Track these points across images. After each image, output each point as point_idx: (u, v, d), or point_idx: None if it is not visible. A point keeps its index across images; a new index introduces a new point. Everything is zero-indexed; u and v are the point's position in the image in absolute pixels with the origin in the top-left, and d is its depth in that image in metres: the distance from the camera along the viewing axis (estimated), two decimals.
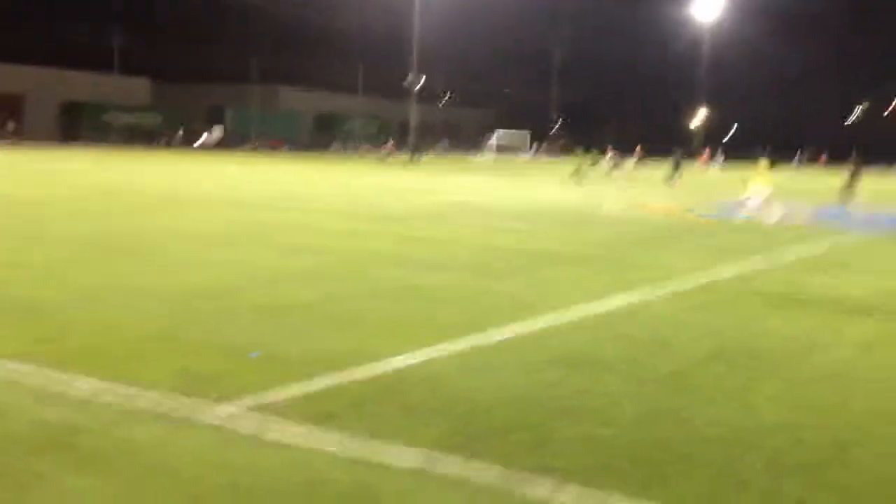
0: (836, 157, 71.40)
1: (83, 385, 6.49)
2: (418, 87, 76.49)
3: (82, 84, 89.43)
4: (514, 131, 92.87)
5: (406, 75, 76.70)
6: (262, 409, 6.11)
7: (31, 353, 7.25)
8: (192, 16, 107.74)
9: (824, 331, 9.50)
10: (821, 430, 6.07)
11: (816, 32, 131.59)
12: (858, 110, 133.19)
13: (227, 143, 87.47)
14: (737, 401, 6.73)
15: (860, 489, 5.11)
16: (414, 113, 76.15)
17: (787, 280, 13.06)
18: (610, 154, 53.32)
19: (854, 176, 33.16)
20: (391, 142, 69.48)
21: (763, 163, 24.23)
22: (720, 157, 76.08)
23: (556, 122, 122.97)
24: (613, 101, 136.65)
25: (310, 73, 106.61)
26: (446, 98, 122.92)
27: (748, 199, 24.02)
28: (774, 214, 22.92)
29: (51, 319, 8.59)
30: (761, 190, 23.55)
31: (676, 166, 44.21)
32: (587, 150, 47.80)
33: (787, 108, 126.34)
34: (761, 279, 13.07)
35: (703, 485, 5.07)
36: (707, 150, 79.81)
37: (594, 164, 49.40)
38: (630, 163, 56.85)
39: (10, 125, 74.56)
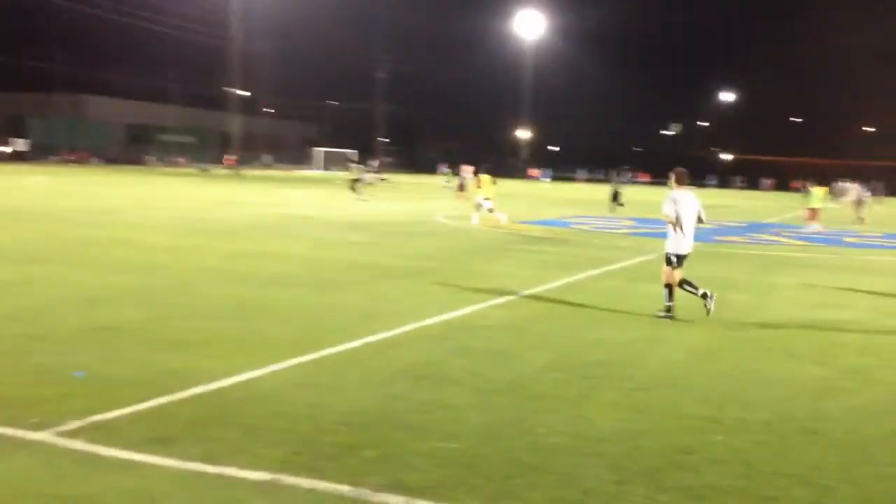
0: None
1: None
2: (237, 96, 74.81)
3: None
4: (340, 150, 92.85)
5: (225, 85, 74.92)
6: (91, 432, 5.73)
7: None
8: None
9: (654, 339, 9.85)
10: (659, 437, 6.26)
11: (629, 56, 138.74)
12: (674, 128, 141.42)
13: (32, 156, 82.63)
14: (577, 409, 6.86)
15: (703, 493, 5.28)
16: (237, 125, 74.49)
17: (616, 288, 13.52)
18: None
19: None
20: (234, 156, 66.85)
21: (486, 177, 27.36)
22: (548, 174, 79.59)
23: (382, 140, 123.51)
24: (437, 117, 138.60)
25: (120, 82, 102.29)
26: (268, 111, 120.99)
27: (482, 204, 26.87)
28: (501, 219, 26.08)
29: None
30: (487, 198, 26.68)
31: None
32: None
33: (605, 128, 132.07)
34: (591, 288, 13.47)
35: (551, 494, 5.10)
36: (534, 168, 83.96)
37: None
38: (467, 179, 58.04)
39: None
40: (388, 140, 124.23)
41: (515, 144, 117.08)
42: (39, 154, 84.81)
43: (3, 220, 21.18)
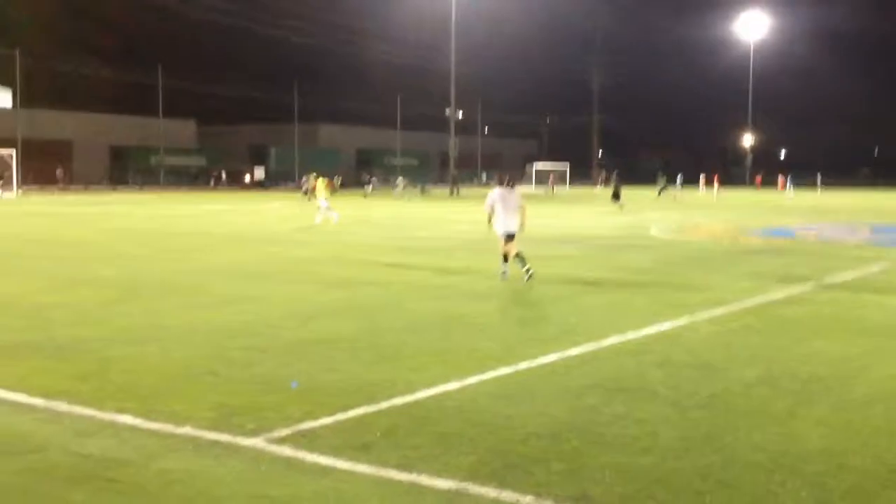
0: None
1: (123, 420, 6.54)
2: (457, 118, 76.73)
3: (129, 128, 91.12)
4: (552, 163, 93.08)
5: (444, 107, 77.04)
6: (297, 439, 6.10)
7: (72, 391, 7.32)
8: (231, 55, 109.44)
9: (876, 353, 9.25)
10: (868, 455, 5.88)
11: (867, 52, 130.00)
12: None
13: (270, 183, 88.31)
14: (781, 426, 6.56)
15: None
16: (453, 145, 76.36)
17: (837, 301, 12.78)
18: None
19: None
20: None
21: (322, 181, 31.20)
22: (790, 183, 75.25)
23: (598, 153, 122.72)
24: (656, 127, 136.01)
25: (348, 109, 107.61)
26: (485, 131, 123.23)
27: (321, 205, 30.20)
28: (332, 219, 29.33)
29: (91, 357, 8.67)
30: (324, 200, 30.21)
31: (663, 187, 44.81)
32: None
33: (841, 130, 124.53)
34: (810, 300, 12.80)
35: None
36: (780, 177, 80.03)
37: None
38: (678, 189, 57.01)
39: (60, 171, 76.05)
40: (601, 152, 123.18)
41: (740, 151, 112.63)
42: (277, 181, 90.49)
43: (239, 243, 22.81)
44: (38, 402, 6.97)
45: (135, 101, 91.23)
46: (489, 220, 14.98)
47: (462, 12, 74.55)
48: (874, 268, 17.26)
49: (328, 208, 29.98)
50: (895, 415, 6.91)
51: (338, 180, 56.62)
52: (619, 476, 5.48)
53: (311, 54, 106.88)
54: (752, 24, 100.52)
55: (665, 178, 59.35)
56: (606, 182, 79.77)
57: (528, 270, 14.33)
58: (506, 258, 14.83)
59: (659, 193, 57.45)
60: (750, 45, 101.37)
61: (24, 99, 76.70)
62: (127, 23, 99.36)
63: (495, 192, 14.95)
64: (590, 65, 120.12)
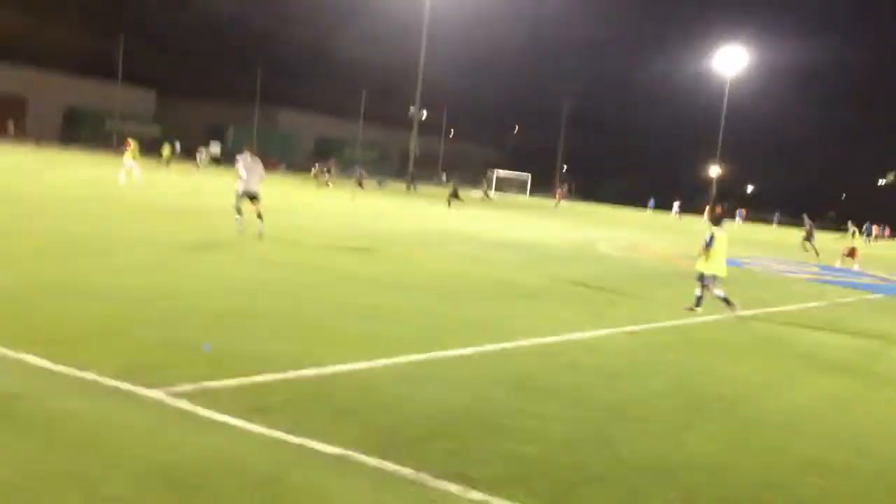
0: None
1: (29, 360, 6.57)
2: (422, 118, 76.86)
3: (87, 90, 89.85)
4: (515, 173, 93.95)
5: (410, 106, 77.16)
6: (197, 395, 6.18)
7: None
8: (198, 31, 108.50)
9: (786, 380, 9.54)
10: (748, 472, 6.10)
11: (842, 95, 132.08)
12: (891, 176, 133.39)
13: (225, 160, 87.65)
14: (673, 435, 6.77)
15: None
16: (414, 143, 76.51)
17: (760, 330, 13.09)
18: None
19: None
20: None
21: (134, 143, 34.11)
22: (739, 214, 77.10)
23: (562, 169, 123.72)
24: (620, 151, 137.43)
25: (311, 97, 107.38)
26: (450, 134, 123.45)
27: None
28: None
29: (13, 304, 8.65)
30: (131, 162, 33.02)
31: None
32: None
33: (809, 171, 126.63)
34: (740, 328, 13.08)
35: None
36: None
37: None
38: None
39: (10, 126, 74.80)
40: (565, 170, 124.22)
41: (704, 182, 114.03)
42: (232, 159, 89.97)
43: (180, 212, 22.68)
44: None
45: (96, 66, 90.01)
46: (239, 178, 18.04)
47: (438, 15, 74.84)
48: (810, 304, 17.69)
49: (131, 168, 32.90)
50: (787, 436, 7.15)
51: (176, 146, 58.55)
52: (501, 461, 5.64)
53: (281, 40, 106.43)
54: (729, 59, 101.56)
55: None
56: (563, 197, 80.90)
57: (261, 231, 17.31)
58: (239, 211, 18.04)
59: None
60: (726, 81, 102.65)
61: None
62: None
63: (241, 161, 18.10)
64: (562, 85, 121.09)
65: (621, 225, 48.99)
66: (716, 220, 14.11)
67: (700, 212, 71.76)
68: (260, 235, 17.20)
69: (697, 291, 13.95)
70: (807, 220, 38.86)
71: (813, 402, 8.67)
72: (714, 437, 6.90)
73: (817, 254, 35.65)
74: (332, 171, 58.36)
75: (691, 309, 13.80)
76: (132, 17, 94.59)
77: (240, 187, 17.95)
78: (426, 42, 72.14)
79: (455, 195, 47.61)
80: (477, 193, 73.89)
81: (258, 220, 17.49)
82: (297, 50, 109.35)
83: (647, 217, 75.86)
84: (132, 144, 33.81)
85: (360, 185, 54.17)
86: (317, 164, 60.71)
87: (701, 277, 13.83)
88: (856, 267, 30.93)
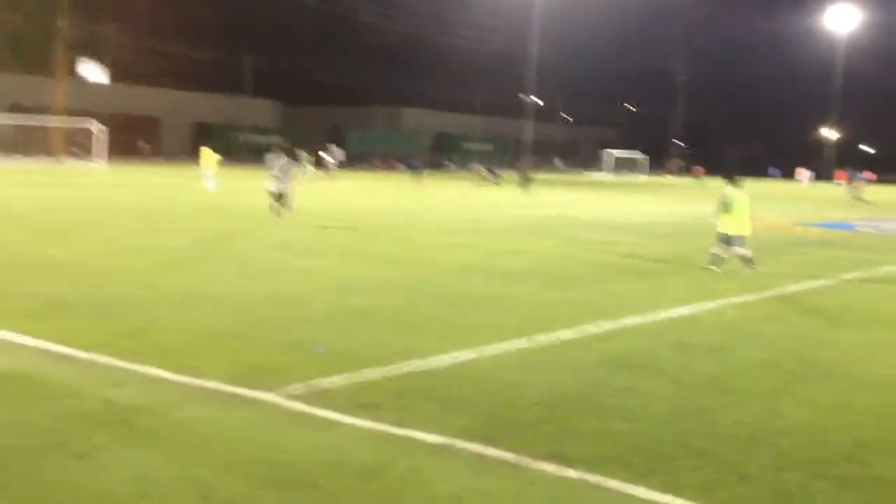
0: None
1: (153, 373, 7.13)
2: (534, 104, 76.71)
3: (214, 106, 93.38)
4: (628, 152, 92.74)
5: (522, 94, 77.08)
6: (309, 396, 6.59)
7: (112, 345, 7.94)
8: (316, 37, 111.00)
9: (889, 343, 9.38)
10: (844, 432, 6.13)
11: None
12: None
13: (347, 164, 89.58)
14: (771, 403, 6.83)
15: (861, 483, 5.19)
16: (529, 132, 76.43)
17: (868, 293, 12.81)
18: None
19: None
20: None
21: (207, 151, 35.20)
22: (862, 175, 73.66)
23: (677, 145, 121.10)
24: (739, 120, 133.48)
25: (427, 93, 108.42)
26: (566, 119, 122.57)
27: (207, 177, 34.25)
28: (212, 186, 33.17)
29: (135, 317, 9.32)
30: (210, 171, 34.14)
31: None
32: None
33: None
34: (847, 290, 12.85)
35: (705, 477, 5.25)
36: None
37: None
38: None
39: (148, 147, 78.61)
40: (681, 143, 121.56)
41: (822, 145, 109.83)
42: (354, 162, 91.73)
43: (307, 221, 23.49)
44: (79, 354, 7.60)
45: (222, 81, 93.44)
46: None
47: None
48: None
49: (210, 177, 34.17)
50: (886, 398, 7.11)
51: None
52: (601, 439, 5.85)
53: (396, 39, 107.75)
54: (841, 18, 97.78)
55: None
56: (673, 173, 79.37)
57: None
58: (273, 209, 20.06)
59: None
60: (839, 39, 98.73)
61: (116, 75, 79.18)
62: (217, 2, 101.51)
63: (279, 161, 20.26)
64: (672, 55, 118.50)
65: None
66: (733, 181, 14.54)
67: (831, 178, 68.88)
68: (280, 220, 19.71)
69: (716, 250, 14.26)
70: None
71: None
72: (811, 402, 6.93)
73: None
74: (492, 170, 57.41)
75: (710, 268, 14.15)
76: (253, 29, 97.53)
77: (271, 186, 19.99)
78: (538, 26, 72.05)
79: (528, 179, 46.56)
80: (593, 175, 73.23)
81: (284, 210, 20.00)
82: (409, 45, 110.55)
83: (770, 187, 73.52)
84: (205, 153, 35.19)
85: (492, 177, 53.26)
86: (478, 166, 59.84)
87: (724, 239, 14.16)
88: None
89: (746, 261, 14.01)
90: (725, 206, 14.07)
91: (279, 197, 20.13)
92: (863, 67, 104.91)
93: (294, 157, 22.62)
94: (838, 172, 73.39)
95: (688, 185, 65.58)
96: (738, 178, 14.62)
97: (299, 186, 22.88)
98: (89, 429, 5.80)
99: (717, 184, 44.62)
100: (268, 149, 41.82)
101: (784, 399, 6.96)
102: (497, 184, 49.87)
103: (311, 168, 56.50)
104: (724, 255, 14.17)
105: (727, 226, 14.12)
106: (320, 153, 63.23)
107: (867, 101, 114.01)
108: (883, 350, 8.98)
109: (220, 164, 35.45)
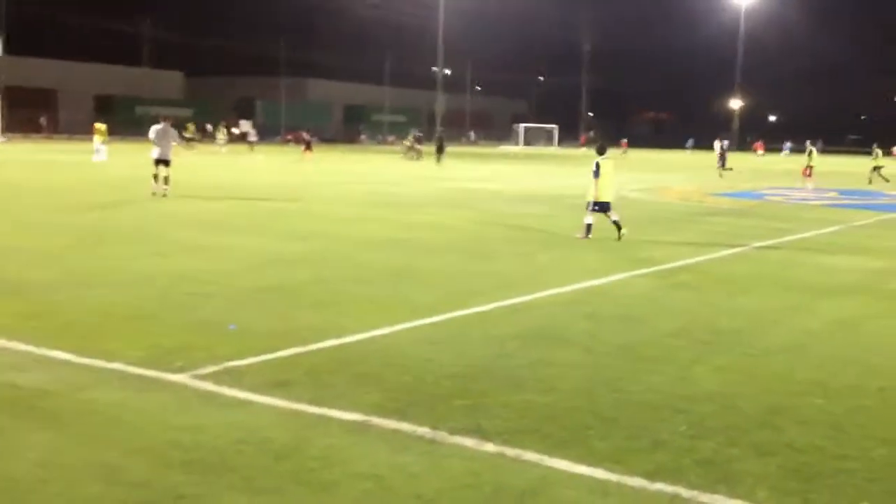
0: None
1: (58, 356, 6.88)
2: (445, 75, 76.61)
3: (115, 77, 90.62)
4: (540, 125, 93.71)
5: (433, 65, 76.93)
6: (220, 376, 6.45)
7: (15, 329, 7.64)
8: (219, 7, 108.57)
9: (797, 308, 9.67)
10: (755, 399, 6.28)
11: (861, 14, 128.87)
12: None
13: (261, 137, 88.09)
14: (682, 371, 6.96)
15: (776, 449, 5.33)
16: (440, 103, 76.34)
17: (777, 261, 13.19)
18: None
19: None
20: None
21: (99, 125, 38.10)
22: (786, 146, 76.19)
23: (587, 116, 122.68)
24: (645, 90, 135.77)
25: (336, 64, 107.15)
26: (475, 88, 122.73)
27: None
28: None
29: (39, 298, 8.99)
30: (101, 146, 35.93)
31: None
32: None
33: (828, 96, 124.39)
34: (754, 258, 13.20)
35: (619, 444, 5.32)
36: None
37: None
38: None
39: (44, 119, 75.81)
40: (592, 114, 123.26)
41: (728, 115, 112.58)
42: (264, 135, 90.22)
43: (212, 194, 23.06)
44: None
45: (122, 52, 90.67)
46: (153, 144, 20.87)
47: None
48: (829, 229, 17.67)
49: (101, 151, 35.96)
50: (795, 363, 7.32)
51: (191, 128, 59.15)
52: (515, 412, 5.86)
53: (300, 8, 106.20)
54: None
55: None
56: (588, 143, 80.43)
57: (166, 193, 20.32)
58: (156, 178, 20.82)
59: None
60: (741, 8, 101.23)
61: (9, 46, 76.01)
62: None
63: (153, 130, 21.11)
64: (581, 25, 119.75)
65: (654, 169, 48.67)
66: (600, 150, 15.43)
67: (748, 149, 70.72)
68: (164, 195, 20.39)
69: (587, 219, 14.87)
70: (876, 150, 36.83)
71: (822, 326, 8.83)
72: (722, 369, 7.09)
73: (886, 180, 35.25)
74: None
75: (584, 237, 14.80)
76: None
77: (154, 154, 20.91)
78: None
79: (440, 150, 46.85)
80: (506, 148, 73.64)
81: (165, 184, 20.67)
82: (315, 15, 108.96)
83: (684, 158, 75.20)
84: (98, 127, 37.63)
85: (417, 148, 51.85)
86: (411, 135, 57.03)
87: (593, 206, 14.90)
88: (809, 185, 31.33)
89: (618, 226, 14.79)
90: (595, 174, 14.91)
91: (164, 163, 20.91)
92: (765, 36, 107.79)
93: (177, 128, 22.85)
94: (757, 144, 75.83)
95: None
96: (605, 147, 15.66)
97: (217, 159, 22.50)
98: None
99: (639, 155, 45.72)
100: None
101: (696, 367, 7.10)
102: (419, 159, 49.06)
103: (223, 139, 55.46)
104: (592, 223, 14.90)
105: (599, 193, 14.89)
106: (242, 126, 62.30)
107: (770, 70, 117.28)
108: (791, 316, 9.24)
109: (105, 135, 37.87)
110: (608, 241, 14.96)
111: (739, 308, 9.52)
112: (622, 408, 6.01)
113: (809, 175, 32.54)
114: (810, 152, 33.90)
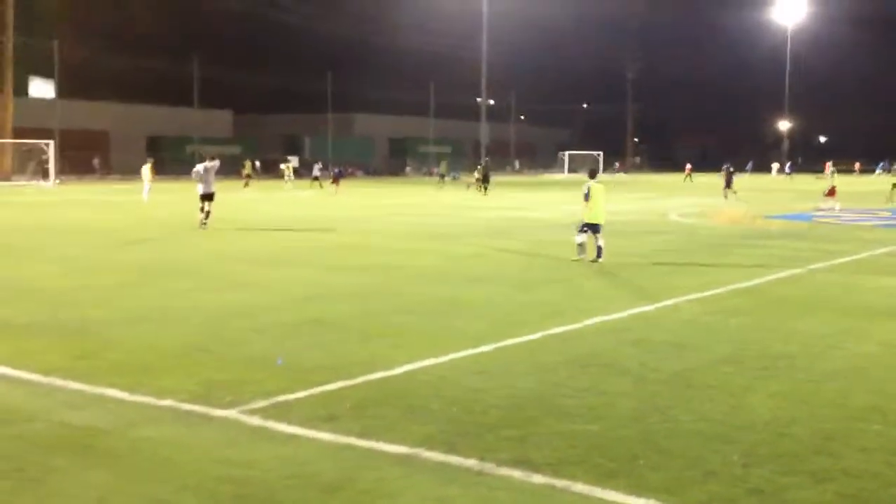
0: None
1: (110, 394, 6.98)
2: (488, 105, 76.92)
3: (165, 118, 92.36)
4: (584, 152, 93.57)
5: (477, 95, 77.25)
6: (269, 411, 6.49)
7: (70, 368, 7.77)
8: (264, 45, 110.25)
9: (852, 332, 9.48)
10: (809, 426, 6.15)
11: None
12: None
13: (304, 172, 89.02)
14: (733, 399, 6.85)
15: (833, 476, 5.20)
16: (484, 134, 76.58)
17: (832, 283, 12.96)
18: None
19: None
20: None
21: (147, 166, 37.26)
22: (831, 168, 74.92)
23: (633, 143, 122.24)
24: (691, 115, 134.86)
25: (380, 97, 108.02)
26: (519, 118, 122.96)
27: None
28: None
29: (93, 337, 9.14)
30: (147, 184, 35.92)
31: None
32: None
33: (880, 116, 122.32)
34: (807, 281, 12.99)
35: (670, 475, 5.23)
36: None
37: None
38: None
39: (96, 161, 77.42)
40: (637, 140, 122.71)
41: (777, 137, 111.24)
42: (310, 169, 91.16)
43: (259, 230, 23.33)
44: (35, 377, 7.44)
45: (171, 92, 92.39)
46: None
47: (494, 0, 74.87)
48: (882, 249, 17.34)
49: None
50: (851, 388, 7.17)
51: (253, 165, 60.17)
52: (564, 442, 5.81)
53: (344, 44, 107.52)
54: (788, 9, 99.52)
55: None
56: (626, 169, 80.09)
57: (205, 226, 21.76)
58: (202, 210, 22.02)
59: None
60: (787, 31, 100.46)
61: (63, 90, 77.84)
62: (162, 13, 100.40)
63: (200, 167, 22.49)
64: (624, 53, 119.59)
65: (697, 191, 48.25)
66: (592, 174, 15.87)
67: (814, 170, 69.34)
68: (204, 226, 21.84)
69: (578, 238, 15.37)
70: None
71: (879, 349, 8.65)
72: (776, 395, 6.96)
73: None
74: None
75: (579, 258, 15.13)
76: (200, 38, 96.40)
77: (199, 189, 22.17)
78: (487, 28, 72.21)
79: (486, 179, 46.43)
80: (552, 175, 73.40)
81: (206, 218, 21.95)
82: (362, 52, 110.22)
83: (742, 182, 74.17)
84: (145, 168, 37.36)
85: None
86: (482, 165, 54.25)
87: (584, 227, 15.28)
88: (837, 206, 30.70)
89: (600, 251, 15.09)
90: (586, 197, 15.32)
91: (208, 198, 22.17)
92: (811, 59, 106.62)
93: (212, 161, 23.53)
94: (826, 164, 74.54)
95: (663, 182, 66.07)
96: (596, 172, 16.56)
97: (275, 195, 22.85)
98: (46, 453, 5.66)
99: (704, 179, 45.09)
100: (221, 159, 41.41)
101: (748, 393, 6.99)
102: (486, 192, 46.65)
103: (291, 177, 56.12)
104: (585, 242, 15.21)
105: (589, 216, 15.33)
106: (291, 162, 63.28)
107: (817, 92, 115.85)
108: (846, 340, 9.06)
109: (154, 173, 38.16)
110: (655, 267, 14.84)
111: (793, 332, 9.35)
112: (673, 437, 5.93)
113: (832, 195, 32.15)
114: (833, 172, 33.87)
